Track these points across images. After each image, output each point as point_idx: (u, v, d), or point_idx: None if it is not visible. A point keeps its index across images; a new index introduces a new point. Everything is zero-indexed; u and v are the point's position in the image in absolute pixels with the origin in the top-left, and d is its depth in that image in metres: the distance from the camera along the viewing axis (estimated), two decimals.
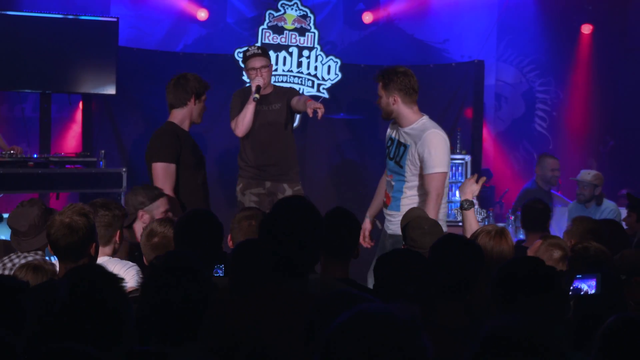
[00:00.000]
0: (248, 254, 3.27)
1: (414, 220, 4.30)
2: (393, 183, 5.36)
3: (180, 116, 5.61)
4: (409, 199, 5.28)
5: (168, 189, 5.30)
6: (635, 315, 2.73)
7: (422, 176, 5.22)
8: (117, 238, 4.16)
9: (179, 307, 2.49)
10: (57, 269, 3.77)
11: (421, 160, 5.19)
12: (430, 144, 5.17)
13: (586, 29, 10.19)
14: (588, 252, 3.98)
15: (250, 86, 6.38)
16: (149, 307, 2.53)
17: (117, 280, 2.36)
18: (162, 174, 5.40)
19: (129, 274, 3.98)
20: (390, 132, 5.49)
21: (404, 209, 5.07)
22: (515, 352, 1.53)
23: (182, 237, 3.76)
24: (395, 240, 5.13)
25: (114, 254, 4.18)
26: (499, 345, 1.56)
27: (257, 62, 6.20)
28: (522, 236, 6.59)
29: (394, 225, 5.28)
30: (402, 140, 5.32)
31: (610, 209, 7.94)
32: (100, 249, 3.92)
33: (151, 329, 2.54)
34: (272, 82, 6.55)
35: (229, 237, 4.38)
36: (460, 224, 7.73)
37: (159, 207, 4.83)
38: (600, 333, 2.56)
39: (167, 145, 5.50)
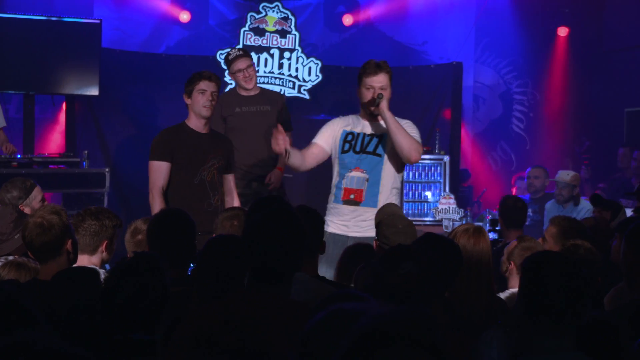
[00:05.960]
0: (217, 250, 3.28)
1: (389, 217, 4.27)
2: (367, 176, 5.31)
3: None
4: (386, 194, 5.24)
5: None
6: (608, 314, 2.85)
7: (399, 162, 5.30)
8: (103, 247, 3.95)
9: (137, 301, 2.67)
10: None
11: None
12: (412, 126, 5.32)
13: (562, 31, 10.34)
14: (578, 250, 4.05)
15: (231, 90, 6.48)
16: (113, 300, 2.70)
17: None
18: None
19: None
20: (343, 127, 5.39)
21: (383, 204, 5.13)
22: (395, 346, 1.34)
23: (154, 236, 3.77)
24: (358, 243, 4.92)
25: (102, 264, 4.05)
26: (376, 339, 1.35)
27: (242, 63, 6.28)
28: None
29: (360, 227, 5.25)
30: (374, 132, 5.33)
31: (587, 209, 7.99)
32: (87, 258, 3.88)
33: (114, 320, 2.68)
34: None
35: None
36: (440, 223, 7.90)
37: (36, 197, 4.94)
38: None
39: None
